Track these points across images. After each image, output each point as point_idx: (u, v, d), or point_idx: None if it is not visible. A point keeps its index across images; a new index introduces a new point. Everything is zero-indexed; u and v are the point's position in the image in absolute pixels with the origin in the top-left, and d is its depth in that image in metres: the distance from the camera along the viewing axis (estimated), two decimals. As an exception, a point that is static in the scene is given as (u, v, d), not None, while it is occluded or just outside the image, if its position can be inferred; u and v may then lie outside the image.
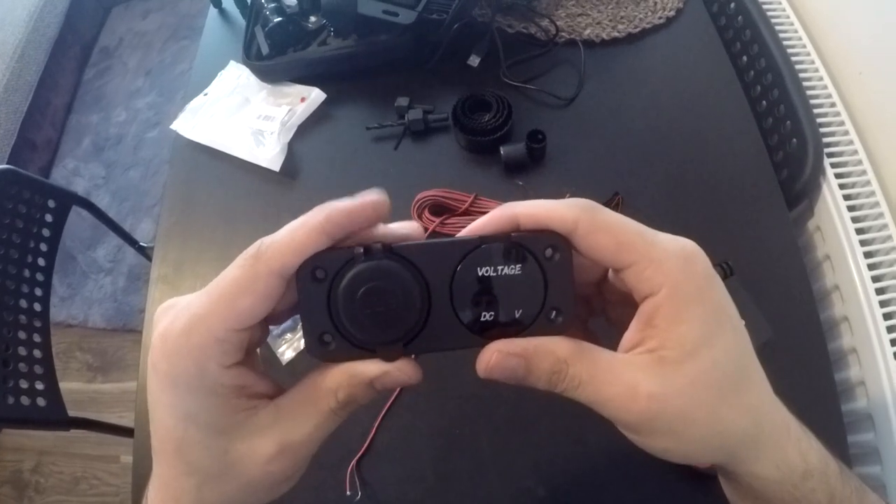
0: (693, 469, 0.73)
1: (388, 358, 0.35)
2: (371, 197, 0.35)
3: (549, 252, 0.35)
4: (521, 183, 0.98)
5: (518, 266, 0.35)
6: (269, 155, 1.04)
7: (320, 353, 0.35)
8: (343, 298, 0.34)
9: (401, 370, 0.35)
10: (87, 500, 1.98)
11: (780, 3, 1.21)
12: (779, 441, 0.37)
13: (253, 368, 0.37)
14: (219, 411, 0.34)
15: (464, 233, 0.37)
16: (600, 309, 0.44)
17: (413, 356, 0.36)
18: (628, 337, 0.36)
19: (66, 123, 2.74)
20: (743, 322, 0.36)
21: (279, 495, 0.38)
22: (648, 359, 0.34)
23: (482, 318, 0.35)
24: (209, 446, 0.35)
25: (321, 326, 0.34)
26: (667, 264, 0.34)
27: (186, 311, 0.33)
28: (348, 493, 0.78)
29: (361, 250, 0.34)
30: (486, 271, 0.35)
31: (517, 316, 0.35)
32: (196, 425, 0.34)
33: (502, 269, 0.35)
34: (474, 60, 1.10)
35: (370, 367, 0.35)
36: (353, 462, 0.79)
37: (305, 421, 0.36)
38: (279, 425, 0.35)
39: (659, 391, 0.33)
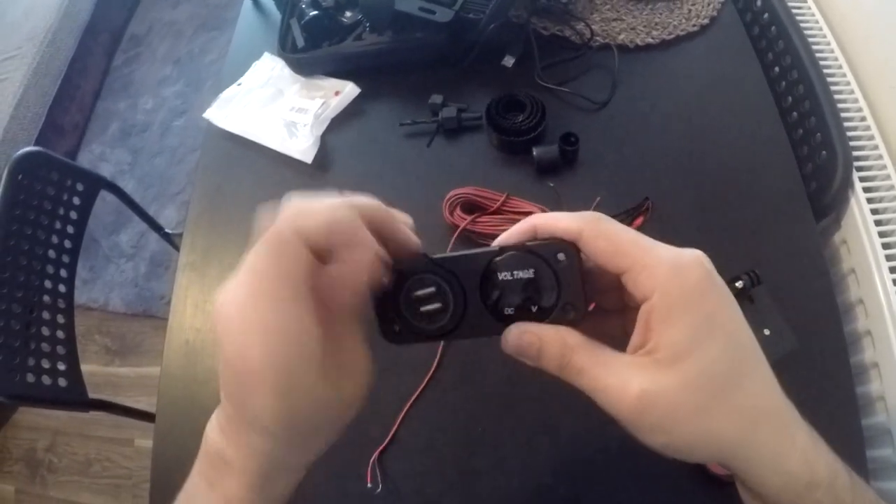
0: (712, 475, 0.73)
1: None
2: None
3: (560, 256, 0.41)
4: (552, 185, 0.98)
5: (532, 270, 0.41)
6: (302, 147, 1.05)
7: (392, 338, 0.44)
8: (400, 299, 0.43)
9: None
10: (99, 482, 2.00)
11: (812, 15, 1.21)
12: (777, 448, 0.38)
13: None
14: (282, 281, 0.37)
15: (497, 241, 0.44)
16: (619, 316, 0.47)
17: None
18: (633, 340, 0.39)
19: (94, 109, 2.76)
20: (745, 330, 0.38)
21: (329, 403, 0.39)
22: (645, 360, 0.37)
23: (506, 313, 0.42)
24: (269, 309, 0.36)
25: (390, 320, 0.43)
26: (658, 270, 0.37)
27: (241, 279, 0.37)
28: (369, 485, 0.78)
29: (414, 260, 0.43)
30: (506, 275, 0.42)
31: (533, 311, 0.42)
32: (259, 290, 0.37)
33: (518, 273, 0.41)
34: (508, 61, 1.11)
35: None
36: (375, 454, 0.80)
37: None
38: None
39: (648, 388, 0.36)
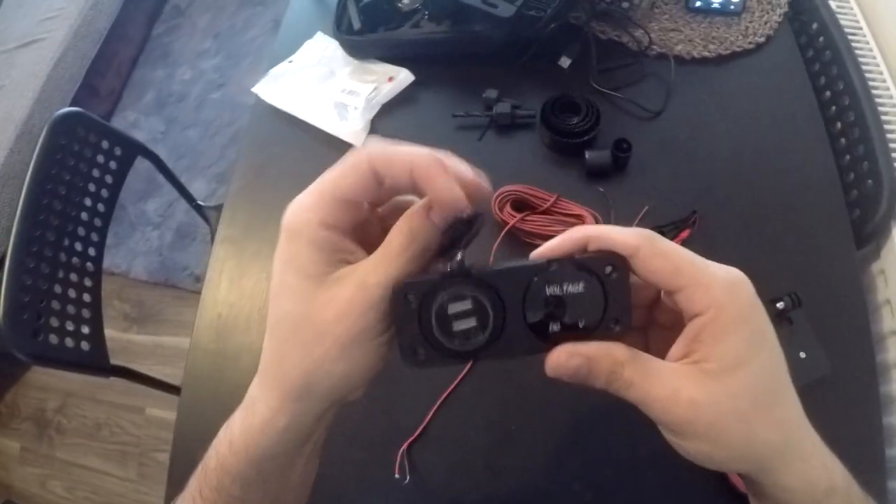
0: (732, 488, 0.74)
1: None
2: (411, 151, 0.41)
3: (608, 270, 0.40)
4: (601, 189, 0.97)
5: (581, 284, 0.40)
6: (352, 129, 1.05)
7: (413, 362, 0.41)
8: (431, 316, 0.40)
9: (444, 189, 0.39)
10: (106, 447, 2.01)
11: (867, 43, 1.20)
12: (804, 455, 0.40)
13: (356, 242, 0.43)
14: (313, 259, 0.40)
15: (542, 249, 0.43)
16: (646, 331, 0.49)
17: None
18: (674, 350, 0.41)
19: (131, 76, 2.77)
20: (780, 347, 0.40)
21: (354, 373, 0.42)
22: (692, 369, 0.39)
23: (550, 330, 0.40)
24: (297, 289, 0.41)
25: (413, 341, 0.41)
26: (715, 289, 0.38)
27: (311, 185, 0.42)
28: (397, 475, 0.78)
29: (446, 273, 0.41)
30: (554, 290, 0.40)
31: (580, 326, 0.40)
32: (294, 269, 0.41)
33: (567, 288, 0.40)
34: (565, 62, 1.10)
35: (420, 201, 0.41)
36: (405, 445, 0.79)
37: (377, 262, 0.41)
38: (357, 272, 0.41)
39: (699, 398, 0.38)
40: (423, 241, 0.40)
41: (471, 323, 0.40)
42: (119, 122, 2.60)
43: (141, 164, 1.42)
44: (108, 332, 1.21)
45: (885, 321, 1.00)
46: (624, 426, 0.79)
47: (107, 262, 2.19)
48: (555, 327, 0.40)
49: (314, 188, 0.41)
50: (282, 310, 0.42)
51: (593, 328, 0.40)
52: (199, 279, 1.96)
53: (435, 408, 0.82)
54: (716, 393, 0.38)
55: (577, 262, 0.40)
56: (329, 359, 0.41)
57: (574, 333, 0.40)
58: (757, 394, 0.38)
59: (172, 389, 1.27)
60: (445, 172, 0.39)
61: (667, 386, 0.39)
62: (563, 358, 0.40)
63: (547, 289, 0.40)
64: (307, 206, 0.41)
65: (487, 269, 0.40)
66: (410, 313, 0.40)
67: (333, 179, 0.41)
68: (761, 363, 0.39)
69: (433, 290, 0.40)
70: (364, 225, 0.44)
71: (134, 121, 2.61)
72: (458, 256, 0.40)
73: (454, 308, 0.40)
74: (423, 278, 0.40)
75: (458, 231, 0.41)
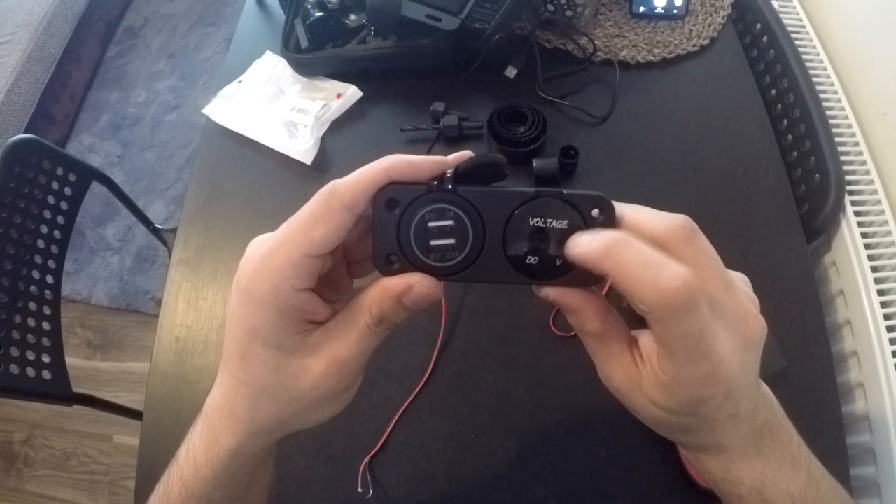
0: (694, 484, 0.75)
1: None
2: (435, 157, 0.40)
3: (595, 212, 0.39)
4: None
5: (566, 221, 0.39)
6: (302, 147, 1.05)
7: (386, 270, 0.40)
8: (410, 227, 0.39)
9: (422, 283, 0.39)
10: (75, 477, 1.97)
11: (811, 41, 1.23)
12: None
13: (319, 296, 0.41)
14: (282, 329, 0.39)
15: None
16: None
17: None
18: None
19: (86, 99, 2.74)
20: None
21: (323, 418, 0.44)
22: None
23: (527, 261, 0.39)
24: (267, 360, 0.40)
25: (389, 248, 0.39)
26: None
27: (270, 239, 0.38)
28: (360, 490, 0.78)
29: (433, 186, 0.39)
30: (538, 221, 0.39)
31: (558, 264, 0.39)
32: (261, 339, 0.39)
33: (551, 221, 0.39)
34: (511, 72, 1.12)
35: (396, 282, 0.39)
36: (366, 460, 0.80)
37: (347, 338, 0.40)
38: (327, 344, 0.40)
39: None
40: (393, 323, 0.40)
41: (449, 241, 0.39)
42: (75, 147, 2.57)
43: (99, 189, 1.41)
44: (73, 361, 1.20)
45: (840, 311, 1.02)
46: (583, 428, 0.81)
47: (67, 290, 2.18)
48: (532, 260, 0.39)
49: (281, 246, 0.38)
50: (250, 375, 0.41)
51: (570, 267, 0.39)
52: (160, 303, 1.96)
53: (394, 421, 0.82)
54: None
55: (565, 197, 0.39)
56: (303, 414, 0.42)
57: (550, 268, 0.39)
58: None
59: (137, 415, 1.25)
60: (410, 159, 0.39)
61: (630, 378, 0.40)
62: (553, 296, 0.40)
63: (531, 220, 0.39)
64: (274, 272, 0.38)
65: (475, 189, 0.39)
66: (391, 220, 0.39)
67: (305, 233, 0.38)
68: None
69: (417, 201, 0.39)
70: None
71: (90, 145, 2.58)
72: (449, 173, 0.40)
73: (434, 224, 0.39)
74: (408, 187, 0.39)
75: (485, 176, 0.40)
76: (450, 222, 0.39)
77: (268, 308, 0.38)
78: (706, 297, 0.35)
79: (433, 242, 0.39)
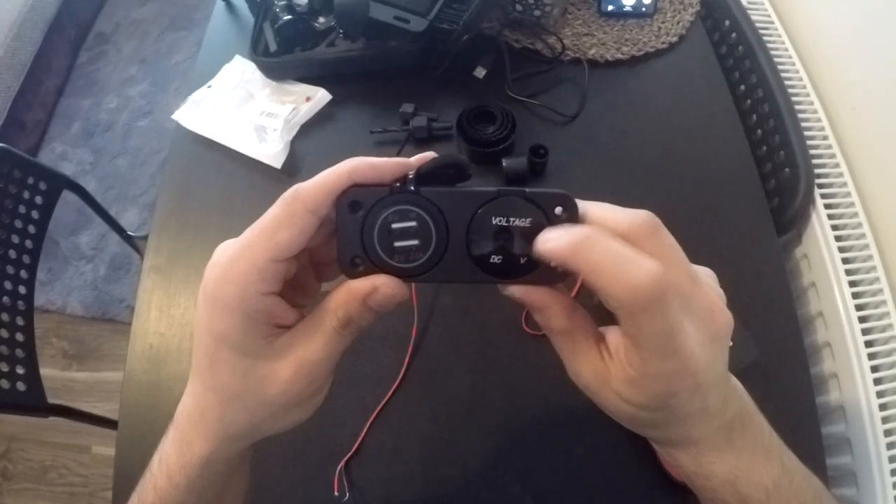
0: (669, 479, 0.76)
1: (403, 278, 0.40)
2: (398, 159, 0.40)
3: (558, 210, 0.39)
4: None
5: (528, 220, 0.39)
6: (272, 152, 1.05)
7: (351, 273, 0.40)
8: (374, 229, 0.39)
9: (387, 284, 0.39)
10: (55, 490, 1.95)
11: (779, 36, 1.24)
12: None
13: (286, 300, 0.41)
14: (249, 334, 0.39)
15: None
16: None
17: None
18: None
19: (57, 106, 2.70)
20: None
21: (294, 422, 0.44)
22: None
23: (491, 260, 0.40)
24: (235, 365, 0.40)
25: (353, 250, 0.40)
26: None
27: (235, 244, 0.39)
28: (336, 493, 0.78)
29: (395, 188, 0.39)
30: (501, 220, 0.39)
31: (522, 262, 0.40)
32: (228, 344, 0.39)
33: (514, 220, 0.39)
34: (480, 72, 1.12)
35: (362, 284, 0.39)
36: (342, 463, 0.79)
37: (314, 341, 0.40)
38: (294, 347, 0.40)
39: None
40: (359, 325, 0.41)
41: (413, 242, 0.39)
42: (47, 155, 2.54)
43: (72, 197, 1.40)
44: (49, 372, 1.19)
45: (812, 303, 1.02)
46: (558, 426, 0.81)
47: (42, 299, 2.16)
48: (496, 259, 0.40)
49: (246, 251, 0.38)
50: (219, 380, 0.41)
51: (534, 265, 0.39)
52: (135, 311, 1.94)
53: (368, 424, 0.82)
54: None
55: (527, 195, 0.39)
56: (274, 418, 0.42)
57: (514, 267, 0.40)
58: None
59: (114, 425, 1.24)
60: (373, 161, 0.39)
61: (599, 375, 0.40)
62: (518, 294, 0.40)
63: (493, 219, 0.39)
64: (239, 276, 0.38)
65: (437, 190, 0.39)
66: (354, 223, 0.39)
67: (269, 237, 0.38)
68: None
69: (379, 203, 0.39)
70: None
71: (62, 153, 2.55)
72: (411, 174, 0.40)
73: (398, 225, 0.39)
74: (371, 190, 0.39)
75: (448, 176, 0.41)
76: (413, 223, 0.39)
77: (234, 313, 0.38)
78: (674, 292, 0.35)
79: (397, 244, 0.39)
